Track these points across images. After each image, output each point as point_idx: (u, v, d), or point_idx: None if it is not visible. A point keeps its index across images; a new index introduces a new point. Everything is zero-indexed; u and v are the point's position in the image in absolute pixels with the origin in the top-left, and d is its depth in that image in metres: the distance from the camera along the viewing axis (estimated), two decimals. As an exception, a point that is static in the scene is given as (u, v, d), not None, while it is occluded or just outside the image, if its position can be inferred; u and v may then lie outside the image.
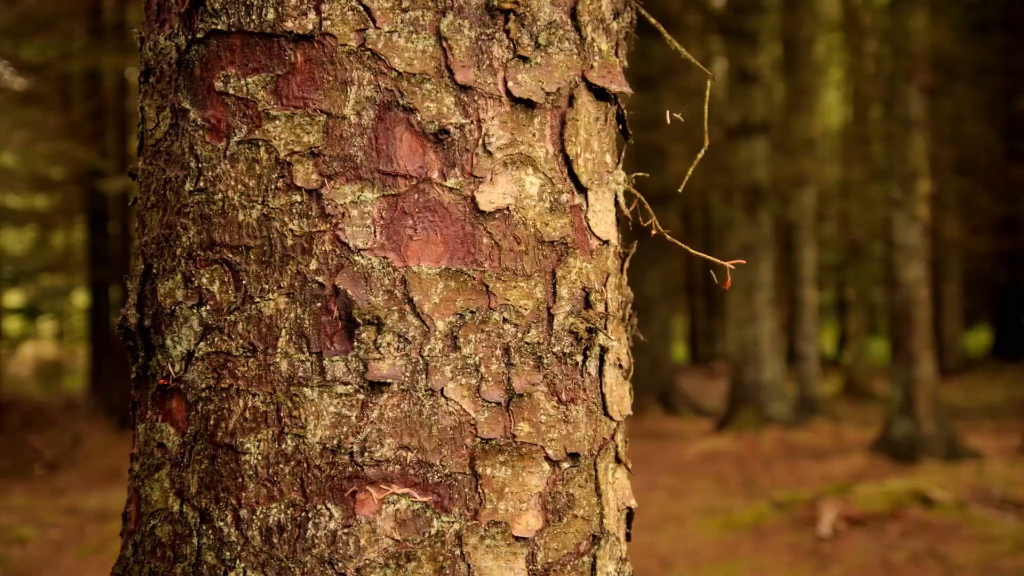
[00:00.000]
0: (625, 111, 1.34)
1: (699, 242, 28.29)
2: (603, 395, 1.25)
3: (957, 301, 21.12)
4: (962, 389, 19.11)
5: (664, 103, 14.42)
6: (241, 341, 1.12)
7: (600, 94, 1.26)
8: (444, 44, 1.14)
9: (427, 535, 1.11)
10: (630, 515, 1.35)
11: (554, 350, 1.19)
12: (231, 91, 1.12)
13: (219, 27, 1.12)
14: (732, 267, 1.32)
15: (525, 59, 1.18)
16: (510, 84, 1.17)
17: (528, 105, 1.18)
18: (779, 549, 6.72)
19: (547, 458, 1.18)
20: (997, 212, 15.21)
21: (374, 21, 1.12)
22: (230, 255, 1.12)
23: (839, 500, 7.44)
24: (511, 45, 1.17)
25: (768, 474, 10.05)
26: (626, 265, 1.36)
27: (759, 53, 12.24)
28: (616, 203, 1.32)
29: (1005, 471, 9.30)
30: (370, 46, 1.12)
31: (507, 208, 1.16)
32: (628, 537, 1.35)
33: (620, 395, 1.30)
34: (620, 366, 1.30)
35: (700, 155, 1.33)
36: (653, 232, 1.38)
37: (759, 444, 11.59)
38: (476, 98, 1.15)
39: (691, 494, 9.13)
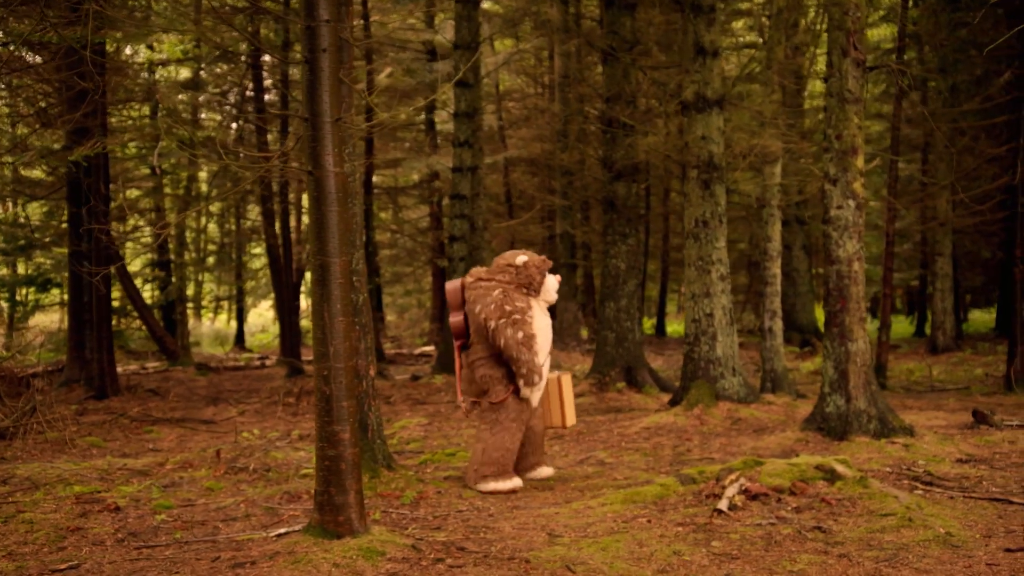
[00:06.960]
0: None
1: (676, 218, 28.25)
2: None
3: (948, 277, 20.79)
4: (946, 366, 19.05)
5: (630, 78, 14.42)
6: None
7: None
8: None
9: None
10: None
11: None
12: None
13: None
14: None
15: None
16: None
17: None
18: (671, 523, 6.76)
19: None
20: (982, 187, 15.07)
21: None
22: None
23: (745, 475, 7.47)
24: None
25: (702, 448, 10.08)
26: None
27: (715, 28, 12.18)
28: None
29: (934, 448, 9.29)
30: None
31: None
32: None
33: None
34: None
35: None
36: None
37: (707, 419, 11.61)
38: None
39: (618, 468, 9.18)
